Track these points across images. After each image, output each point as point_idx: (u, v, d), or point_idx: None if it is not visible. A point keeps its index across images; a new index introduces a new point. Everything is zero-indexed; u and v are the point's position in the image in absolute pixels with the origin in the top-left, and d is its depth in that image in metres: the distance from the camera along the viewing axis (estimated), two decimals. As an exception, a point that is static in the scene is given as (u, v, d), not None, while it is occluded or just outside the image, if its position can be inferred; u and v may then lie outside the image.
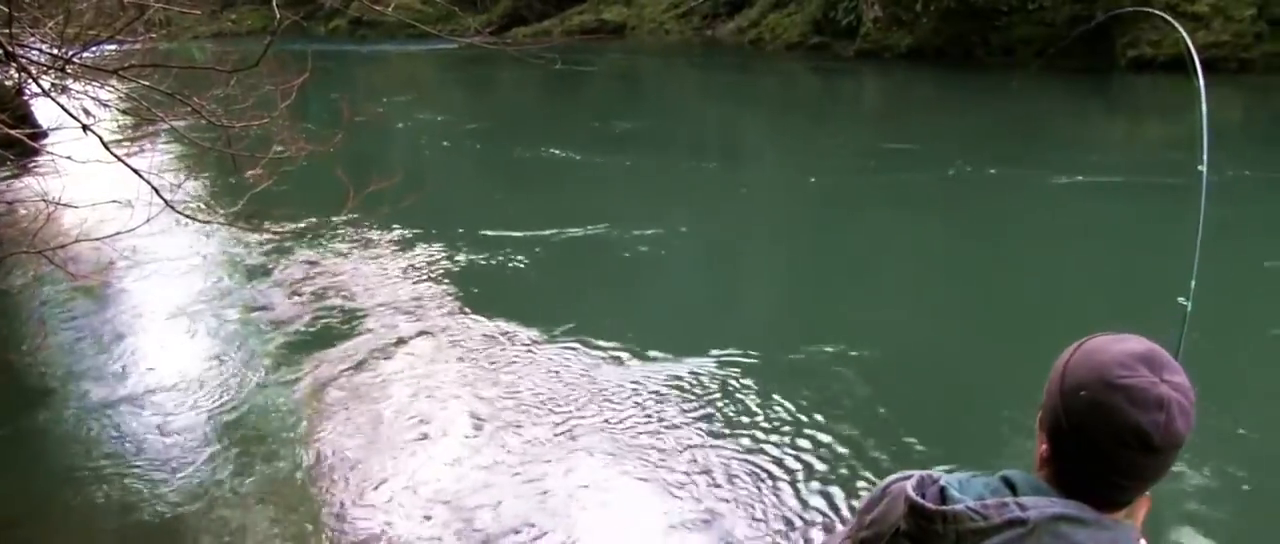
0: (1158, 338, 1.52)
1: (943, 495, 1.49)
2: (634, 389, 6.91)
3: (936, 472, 1.55)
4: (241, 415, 6.87)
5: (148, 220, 6.29)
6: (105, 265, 8.14)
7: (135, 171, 6.60)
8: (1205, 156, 2.31)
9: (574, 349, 7.62)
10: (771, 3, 31.97)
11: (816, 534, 5.05)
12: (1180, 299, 2.42)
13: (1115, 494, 1.48)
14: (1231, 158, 12.45)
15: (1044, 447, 1.54)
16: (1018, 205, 11.74)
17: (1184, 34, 2.53)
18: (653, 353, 7.49)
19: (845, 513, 5.26)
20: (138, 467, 6.24)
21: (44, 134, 10.43)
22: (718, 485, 5.64)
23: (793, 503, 5.41)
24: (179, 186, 7.60)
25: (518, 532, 5.29)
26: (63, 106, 6.53)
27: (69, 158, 7.08)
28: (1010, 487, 1.50)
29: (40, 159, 10.02)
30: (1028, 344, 6.69)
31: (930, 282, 9.45)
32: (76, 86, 7.26)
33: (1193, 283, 2.38)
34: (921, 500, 1.48)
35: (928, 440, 6.05)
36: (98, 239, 6.80)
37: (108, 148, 6.47)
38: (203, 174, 12.64)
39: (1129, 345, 1.47)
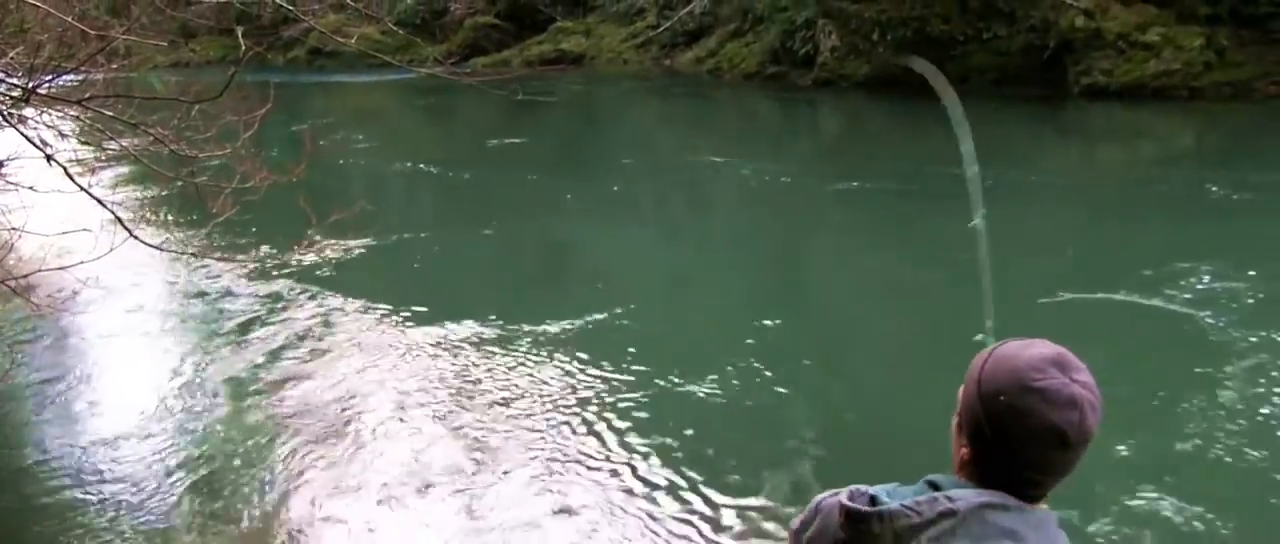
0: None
1: (872, 501, 1.59)
2: (582, 401, 7.05)
3: (861, 486, 1.64)
4: (205, 446, 6.87)
5: (111, 250, 6.30)
6: (68, 295, 8.12)
7: (99, 201, 6.64)
8: (978, 216, 2.38)
9: (530, 369, 7.77)
10: (729, 32, 32.17)
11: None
12: (977, 336, 2.43)
13: (1033, 490, 1.58)
14: (1188, 181, 12.91)
15: (965, 450, 1.63)
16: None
17: (951, 94, 2.51)
18: (599, 367, 7.68)
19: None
20: (101, 497, 6.25)
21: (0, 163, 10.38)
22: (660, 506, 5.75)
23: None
24: (142, 216, 7.64)
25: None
26: (25, 135, 6.54)
27: (31, 188, 7.09)
28: (934, 487, 1.60)
29: (-1, 189, 9.96)
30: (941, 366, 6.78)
31: (863, 305, 9.59)
32: (37, 116, 7.27)
33: (989, 323, 2.44)
34: (857, 506, 1.58)
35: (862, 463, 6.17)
36: (60, 268, 6.79)
37: (72, 177, 6.50)
38: (166, 204, 12.59)
39: (1040, 350, 1.57)
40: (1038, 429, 1.51)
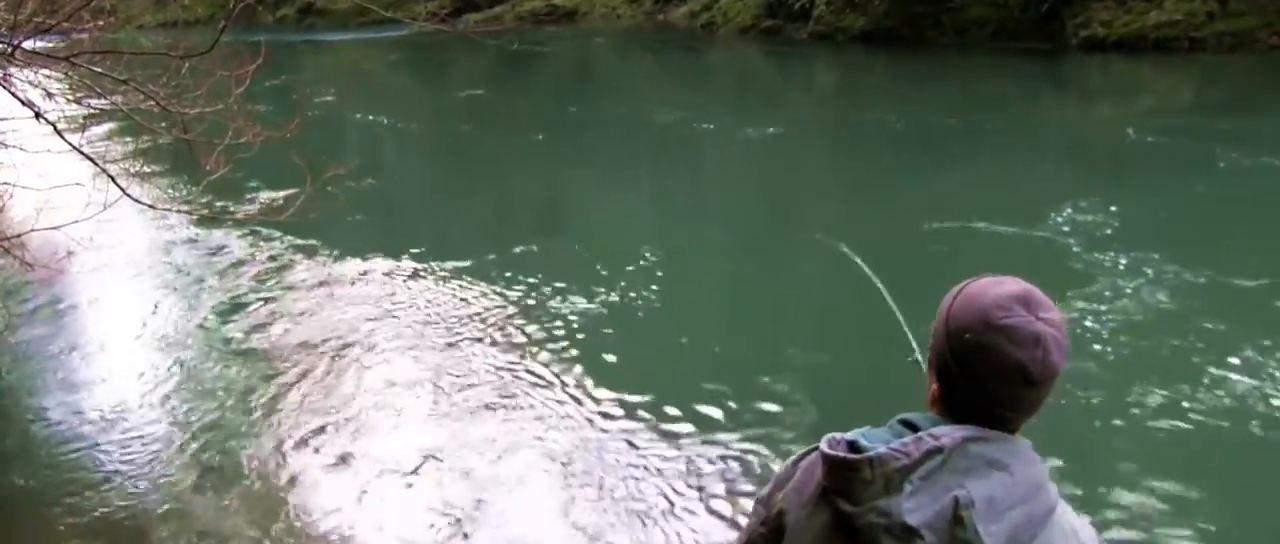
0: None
1: (853, 447, 1.57)
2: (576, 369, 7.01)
3: (834, 434, 1.63)
4: (199, 405, 6.83)
5: (104, 208, 6.22)
6: (62, 254, 8.04)
7: (90, 159, 6.55)
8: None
9: (525, 327, 7.73)
10: (723, -15, 31.99)
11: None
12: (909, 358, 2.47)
13: (1003, 425, 1.57)
14: (1185, 135, 12.89)
15: (934, 386, 1.65)
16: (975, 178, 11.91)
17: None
18: (580, 311, 7.70)
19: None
20: (95, 458, 6.21)
21: (-12, 126, 10.28)
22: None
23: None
24: (134, 174, 7.55)
25: (479, 520, 5.34)
26: (14, 93, 6.45)
27: (20, 148, 7.00)
28: (910, 427, 1.61)
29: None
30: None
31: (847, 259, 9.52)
32: (24, 75, 7.17)
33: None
34: (845, 454, 1.56)
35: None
36: (53, 227, 6.72)
37: (61, 135, 6.42)
38: (157, 162, 12.48)
39: (1006, 287, 1.57)
40: (1003, 367, 1.52)
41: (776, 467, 5.52)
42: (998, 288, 1.57)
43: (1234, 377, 6.30)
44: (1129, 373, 6.40)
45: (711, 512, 5.34)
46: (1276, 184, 10.90)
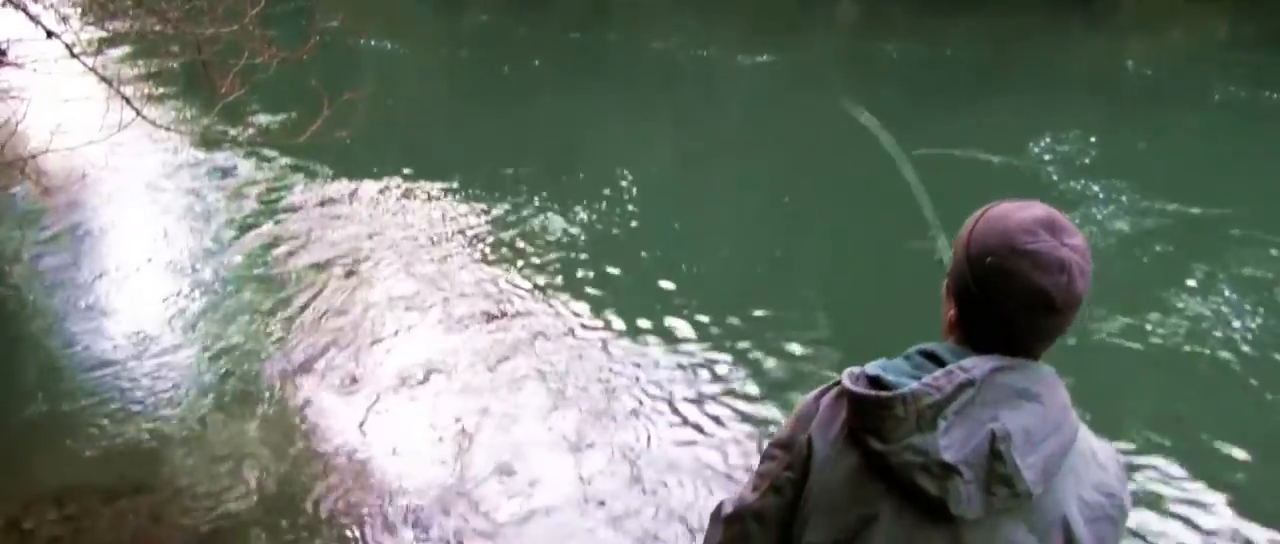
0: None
1: (877, 383, 1.54)
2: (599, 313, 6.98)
3: (854, 368, 1.59)
4: (215, 329, 6.81)
5: (119, 130, 6.17)
6: (77, 178, 7.99)
7: (105, 80, 6.49)
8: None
9: (532, 246, 7.82)
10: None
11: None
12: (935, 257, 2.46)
13: (1024, 353, 1.55)
14: (1204, 67, 12.67)
15: (952, 311, 1.61)
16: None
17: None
18: (619, 268, 7.58)
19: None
20: (114, 383, 6.18)
21: (2, 50, 10.18)
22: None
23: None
24: (148, 96, 7.47)
25: (495, 464, 5.32)
26: (27, 12, 6.36)
27: (33, 69, 6.93)
28: (932, 358, 1.57)
29: (3, 76, 9.80)
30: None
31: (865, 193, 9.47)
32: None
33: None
34: (876, 392, 1.52)
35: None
36: (68, 149, 6.66)
37: (75, 55, 6.34)
38: (172, 84, 12.32)
39: (1031, 211, 1.53)
40: (1025, 293, 1.49)
41: (781, 374, 5.58)
42: (1022, 212, 1.54)
43: (1189, 301, 6.61)
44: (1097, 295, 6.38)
45: (707, 415, 5.57)
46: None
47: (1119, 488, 1.60)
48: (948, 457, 1.46)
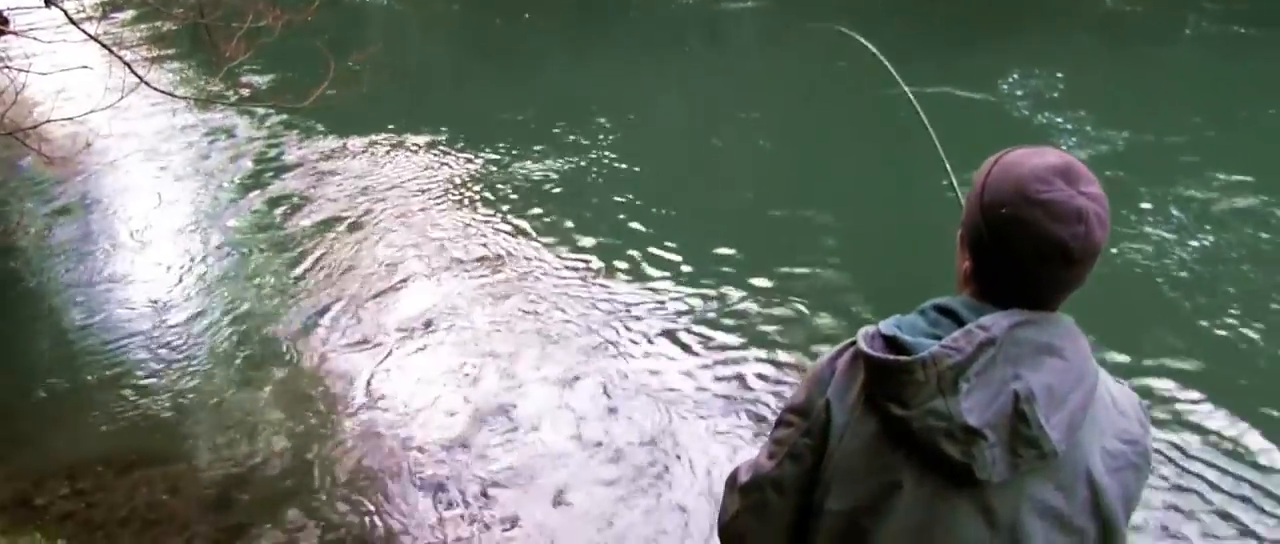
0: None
1: (892, 345, 1.49)
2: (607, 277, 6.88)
3: (868, 329, 1.53)
4: (226, 294, 6.77)
5: (122, 97, 6.09)
6: (80, 146, 7.91)
7: (105, 46, 6.39)
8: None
9: (545, 208, 7.67)
10: None
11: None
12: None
13: (1040, 305, 1.49)
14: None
15: (967, 263, 1.55)
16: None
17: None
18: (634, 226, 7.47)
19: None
20: (127, 355, 6.14)
21: (4, 18, 10.11)
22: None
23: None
24: (151, 62, 7.38)
25: (504, 419, 5.27)
26: (26, -21, 6.26)
27: (34, 37, 6.84)
28: (948, 314, 1.51)
29: (5, 45, 9.72)
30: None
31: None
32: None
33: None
34: (895, 357, 1.46)
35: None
36: (70, 118, 6.58)
37: (75, 23, 6.25)
38: (176, 53, 12.24)
39: (1046, 159, 1.46)
40: (1040, 243, 1.42)
41: (784, 311, 5.53)
42: (1036, 159, 1.47)
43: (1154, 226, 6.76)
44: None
45: (708, 347, 5.67)
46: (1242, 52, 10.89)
47: (1141, 434, 1.56)
48: (971, 420, 1.41)
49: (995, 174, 1.49)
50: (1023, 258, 1.44)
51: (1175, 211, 6.94)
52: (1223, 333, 5.53)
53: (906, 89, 2.78)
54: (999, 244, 1.46)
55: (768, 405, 5.15)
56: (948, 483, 1.46)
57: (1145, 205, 6.96)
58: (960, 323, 1.47)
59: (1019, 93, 9.61)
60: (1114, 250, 6.32)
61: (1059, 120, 8.83)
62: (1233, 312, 5.70)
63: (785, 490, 1.62)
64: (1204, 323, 5.65)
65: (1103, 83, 10.03)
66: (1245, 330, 5.53)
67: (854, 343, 1.54)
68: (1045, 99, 9.36)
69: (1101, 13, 13.23)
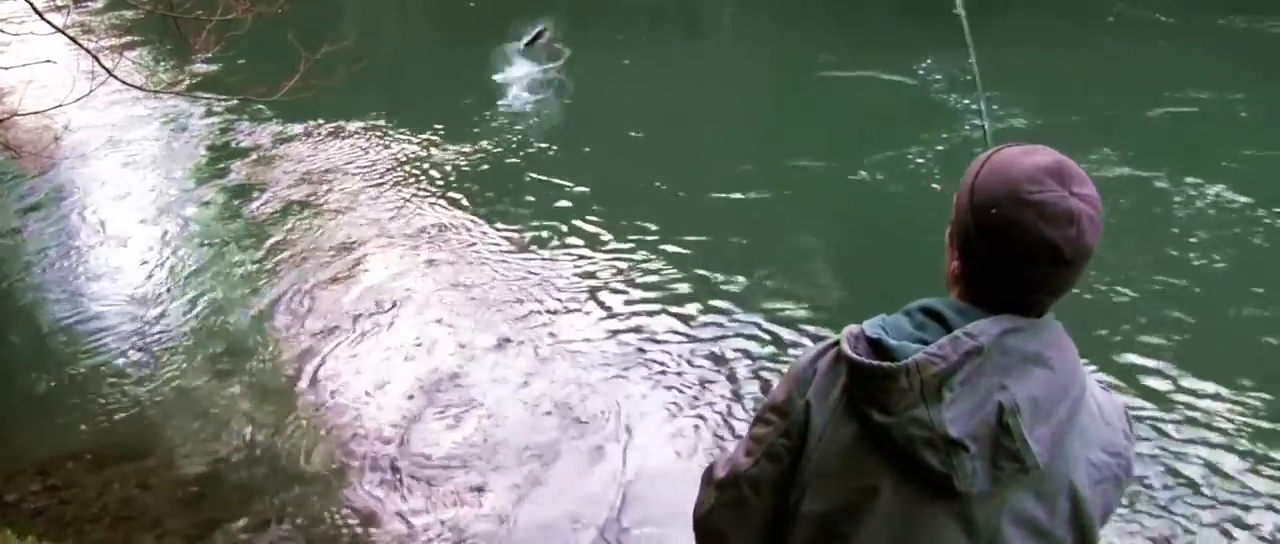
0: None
1: (876, 347, 1.45)
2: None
3: (852, 328, 1.50)
4: (198, 291, 6.77)
5: (90, 92, 6.03)
6: (49, 140, 7.86)
7: (73, 41, 6.32)
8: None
9: (538, 224, 7.58)
10: None
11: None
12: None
13: (1030, 308, 1.46)
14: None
15: (955, 263, 1.52)
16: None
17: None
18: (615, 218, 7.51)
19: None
20: (103, 354, 6.15)
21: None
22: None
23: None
24: (121, 57, 7.31)
25: (496, 415, 5.30)
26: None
27: (2, 31, 6.77)
28: (935, 317, 1.48)
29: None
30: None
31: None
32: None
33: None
34: (878, 363, 1.42)
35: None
36: (37, 112, 6.53)
37: (42, 16, 6.18)
38: (146, 46, 12.16)
39: (1038, 158, 1.43)
40: (1031, 245, 1.39)
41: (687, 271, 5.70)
42: (1028, 158, 1.43)
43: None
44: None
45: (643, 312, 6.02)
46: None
47: (1125, 446, 1.53)
48: (953, 432, 1.38)
49: (985, 173, 1.46)
50: (1012, 260, 1.42)
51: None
52: (1090, 296, 5.68)
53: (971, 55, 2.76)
54: (988, 245, 1.43)
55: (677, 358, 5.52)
56: (926, 491, 1.43)
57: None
58: (947, 327, 1.45)
59: (936, 76, 9.95)
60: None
61: (966, 101, 9.17)
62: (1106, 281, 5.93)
63: (761, 489, 1.60)
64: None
65: (1020, 66, 10.18)
66: (1116, 297, 5.77)
67: (837, 343, 1.51)
68: (960, 81, 9.60)
69: None
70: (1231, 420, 4.68)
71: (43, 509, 4.73)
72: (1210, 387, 4.90)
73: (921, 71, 10.08)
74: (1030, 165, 1.42)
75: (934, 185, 7.12)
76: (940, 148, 8.17)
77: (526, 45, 11.14)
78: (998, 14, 12.18)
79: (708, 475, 1.72)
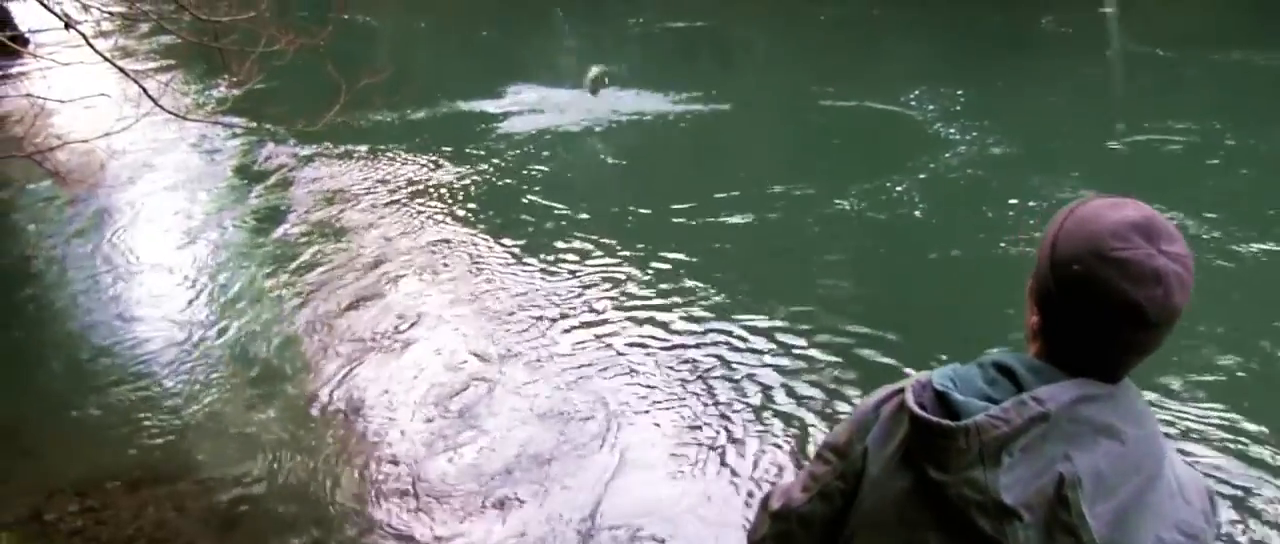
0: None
1: (943, 400, 1.41)
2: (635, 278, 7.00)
3: (923, 376, 1.46)
4: (237, 322, 6.84)
5: (137, 121, 6.19)
6: (95, 169, 8.03)
7: (122, 71, 6.50)
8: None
9: (578, 248, 7.66)
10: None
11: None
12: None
13: (1112, 369, 1.39)
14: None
15: (1034, 318, 1.45)
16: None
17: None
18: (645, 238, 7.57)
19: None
20: (134, 371, 6.27)
21: (25, 39, 10.25)
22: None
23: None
24: (166, 86, 7.48)
25: (512, 429, 5.37)
26: (45, 5, 6.38)
27: (52, 61, 6.95)
28: (1008, 374, 1.42)
29: (24, 65, 9.87)
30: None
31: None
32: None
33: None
34: (938, 419, 1.39)
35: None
36: (86, 140, 6.69)
37: (92, 46, 6.35)
38: (190, 73, 12.39)
39: (1124, 213, 1.35)
40: (1114, 305, 1.32)
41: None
42: (1113, 213, 1.36)
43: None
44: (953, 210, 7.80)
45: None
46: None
47: (1204, 528, 1.43)
48: (1007, 498, 1.33)
49: (1068, 227, 1.39)
50: (1094, 320, 1.35)
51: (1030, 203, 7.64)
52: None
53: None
54: (1069, 304, 1.37)
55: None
56: None
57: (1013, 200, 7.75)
58: (1019, 386, 1.39)
59: (928, 104, 10.45)
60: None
61: (952, 129, 9.62)
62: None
63: (811, 528, 1.61)
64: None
65: (1009, 97, 10.83)
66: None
67: (903, 390, 1.47)
68: (949, 110, 10.15)
69: (1036, 33, 13.94)
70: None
71: (80, 529, 4.81)
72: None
73: (912, 99, 10.61)
74: (1116, 220, 1.35)
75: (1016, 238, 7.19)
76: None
77: (592, 91, 11.35)
78: (988, 49, 12.37)
79: (764, 502, 1.73)
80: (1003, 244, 7.11)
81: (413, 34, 17.60)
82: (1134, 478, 1.36)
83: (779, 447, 5.01)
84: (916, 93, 10.73)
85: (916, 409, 1.41)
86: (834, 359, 5.68)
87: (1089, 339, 1.38)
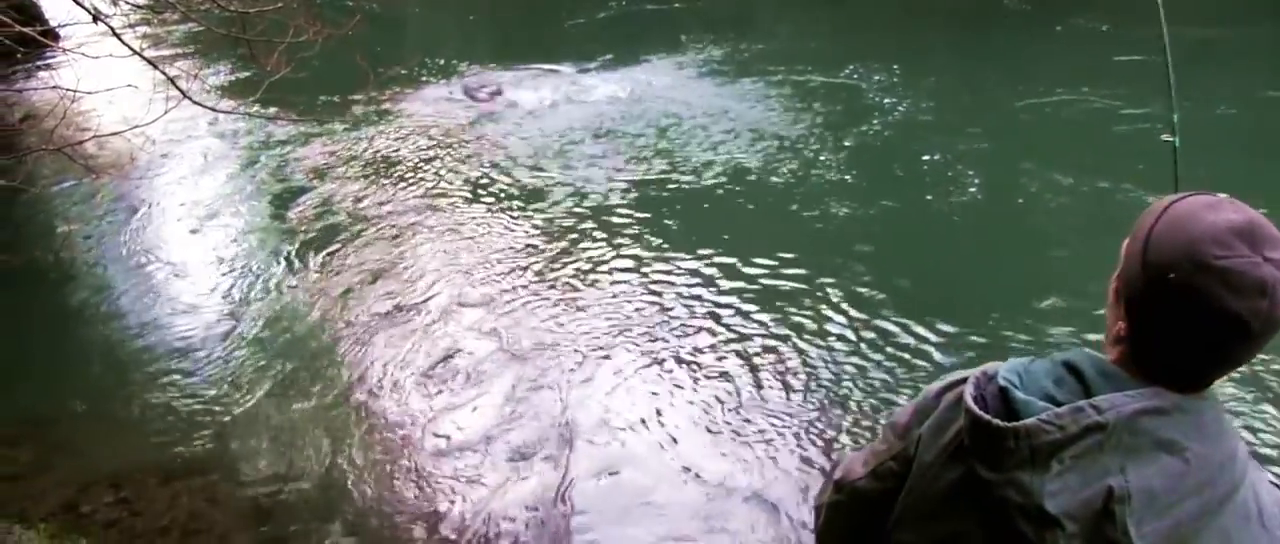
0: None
1: (1004, 397, 1.36)
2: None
3: (991, 367, 1.41)
4: (269, 313, 6.85)
5: (165, 112, 6.20)
6: (125, 160, 8.05)
7: (150, 63, 6.49)
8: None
9: (603, 236, 7.63)
10: None
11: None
12: (1164, 137, 2.56)
13: (1200, 381, 1.32)
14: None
15: (1121, 324, 1.36)
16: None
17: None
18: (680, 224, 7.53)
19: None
20: (165, 365, 6.29)
21: (56, 34, 10.29)
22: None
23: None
24: (195, 77, 7.50)
25: (553, 421, 5.37)
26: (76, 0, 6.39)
27: (82, 53, 6.97)
28: (1076, 375, 1.35)
29: (54, 57, 9.91)
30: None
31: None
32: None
33: (1175, 117, 2.55)
34: (989, 418, 1.34)
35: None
36: (116, 133, 6.71)
37: (120, 38, 6.36)
38: (218, 64, 12.40)
39: (1225, 215, 1.26)
40: (1213, 316, 1.23)
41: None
42: (1213, 214, 1.26)
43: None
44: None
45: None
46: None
47: None
48: (1050, 506, 1.27)
49: (1162, 228, 1.29)
50: (1190, 331, 1.26)
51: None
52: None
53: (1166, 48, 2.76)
54: (1163, 313, 1.28)
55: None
56: None
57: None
58: (1087, 389, 1.33)
59: (859, 76, 10.65)
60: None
61: (893, 101, 9.94)
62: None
63: (860, 503, 1.63)
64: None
65: (955, 73, 10.97)
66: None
67: (965, 380, 1.43)
68: (886, 83, 10.38)
69: (993, 10, 13.86)
70: None
71: (115, 521, 4.85)
72: None
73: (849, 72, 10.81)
74: (1216, 223, 1.25)
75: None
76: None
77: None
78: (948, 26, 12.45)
79: (832, 469, 1.77)
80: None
81: (447, 24, 17.59)
82: (1195, 497, 1.28)
83: (757, 386, 5.46)
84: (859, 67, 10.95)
85: (971, 404, 1.37)
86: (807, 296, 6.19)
87: (1181, 349, 1.30)
